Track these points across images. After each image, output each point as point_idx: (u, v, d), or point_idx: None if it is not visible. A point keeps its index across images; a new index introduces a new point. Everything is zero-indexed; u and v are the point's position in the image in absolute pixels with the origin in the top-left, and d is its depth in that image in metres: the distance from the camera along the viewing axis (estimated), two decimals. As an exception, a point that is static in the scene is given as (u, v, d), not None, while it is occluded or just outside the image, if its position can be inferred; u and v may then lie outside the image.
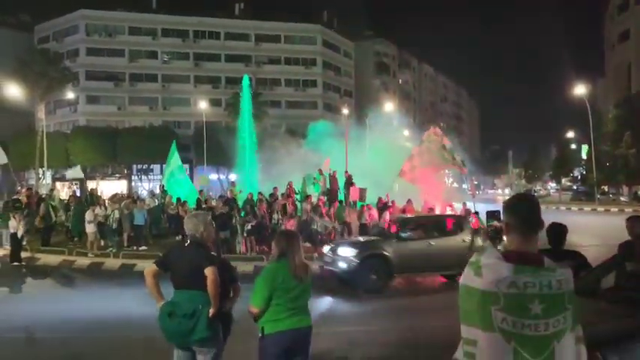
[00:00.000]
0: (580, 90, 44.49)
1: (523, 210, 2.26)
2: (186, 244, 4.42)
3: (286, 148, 28.66)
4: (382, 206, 18.65)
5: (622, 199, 52.71)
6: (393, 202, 19.29)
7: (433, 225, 13.33)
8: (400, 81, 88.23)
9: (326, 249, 13.10)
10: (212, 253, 4.36)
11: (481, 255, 2.21)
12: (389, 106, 47.26)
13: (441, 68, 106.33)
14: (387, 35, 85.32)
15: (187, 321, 4.00)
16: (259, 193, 19.88)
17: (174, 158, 23.16)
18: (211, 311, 4.02)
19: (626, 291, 4.36)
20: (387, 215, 17.29)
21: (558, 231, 4.55)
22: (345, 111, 39.34)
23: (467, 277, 2.18)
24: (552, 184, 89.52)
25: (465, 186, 50.56)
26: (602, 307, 3.60)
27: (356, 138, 31.57)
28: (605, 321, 3.28)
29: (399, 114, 53.73)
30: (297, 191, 20.85)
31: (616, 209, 40.18)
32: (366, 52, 79.69)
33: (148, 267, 4.27)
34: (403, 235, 12.53)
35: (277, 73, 65.84)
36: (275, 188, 20.47)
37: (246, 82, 30.10)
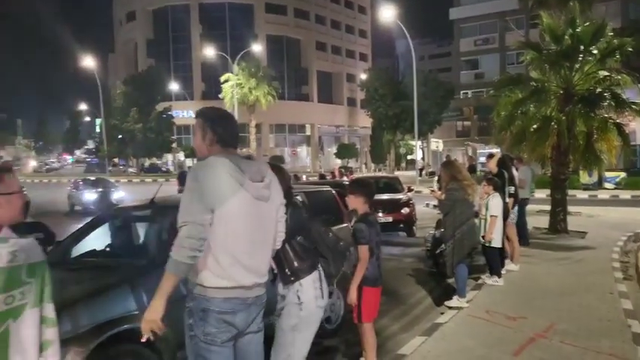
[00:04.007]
0: (90, 63, 44.51)
1: None
2: None
3: None
4: None
5: (131, 170, 56.92)
6: None
7: None
8: None
9: None
10: None
11: None
12: None
13: None
14: None
15: None
16: None
17: None
18: None
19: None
20: None
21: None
22: None
23: None
24: (69, 157, 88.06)
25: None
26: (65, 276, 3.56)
27: None
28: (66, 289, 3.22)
29: None
30: None
31: (125, 180, 43.01)
32: None
33: None
34: None
35: None
36: None
37: None
